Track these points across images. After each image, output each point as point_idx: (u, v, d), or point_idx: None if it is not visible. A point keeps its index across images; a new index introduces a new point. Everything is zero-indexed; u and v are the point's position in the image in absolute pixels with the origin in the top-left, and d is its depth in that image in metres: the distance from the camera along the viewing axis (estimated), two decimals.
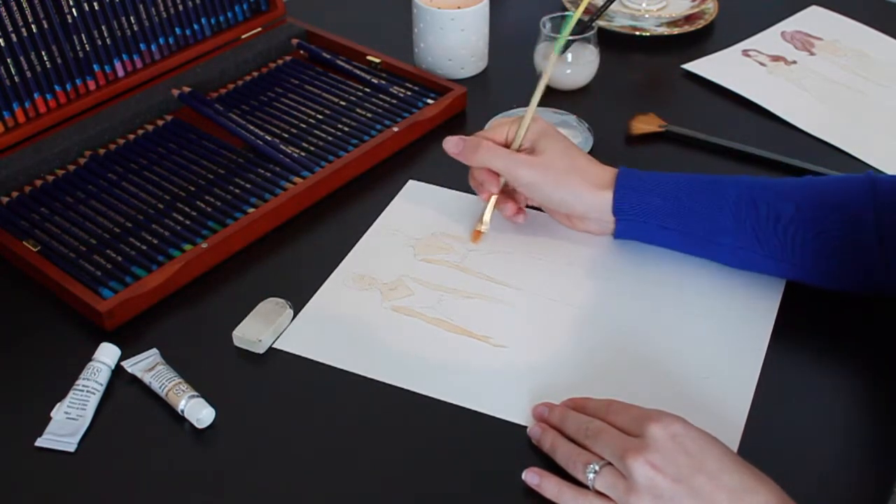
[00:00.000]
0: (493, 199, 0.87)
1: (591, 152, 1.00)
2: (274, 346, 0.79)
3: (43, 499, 0.69)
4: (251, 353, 0.79)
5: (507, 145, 0.86)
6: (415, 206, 0.94)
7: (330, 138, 1.00)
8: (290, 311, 0.81)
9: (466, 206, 0.94)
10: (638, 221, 0.83)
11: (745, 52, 1.16)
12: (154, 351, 0.78)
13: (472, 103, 1.07)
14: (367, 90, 1.07)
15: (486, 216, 0.88)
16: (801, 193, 0.80)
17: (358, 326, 0.81)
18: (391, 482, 0.69)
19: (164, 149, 0.98)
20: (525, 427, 0.72)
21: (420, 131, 1.02)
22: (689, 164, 0.99)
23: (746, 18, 1.23)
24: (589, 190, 0.83)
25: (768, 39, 1.19)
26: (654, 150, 1.01)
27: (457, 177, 0.97)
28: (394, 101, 1.05)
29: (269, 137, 0.99)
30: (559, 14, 1.10)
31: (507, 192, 0.88)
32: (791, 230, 0.79)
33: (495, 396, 0.75)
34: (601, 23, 1.16)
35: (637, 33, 1.19)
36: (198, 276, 0.86)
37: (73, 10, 0.97)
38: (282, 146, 0.98)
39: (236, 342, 0.79)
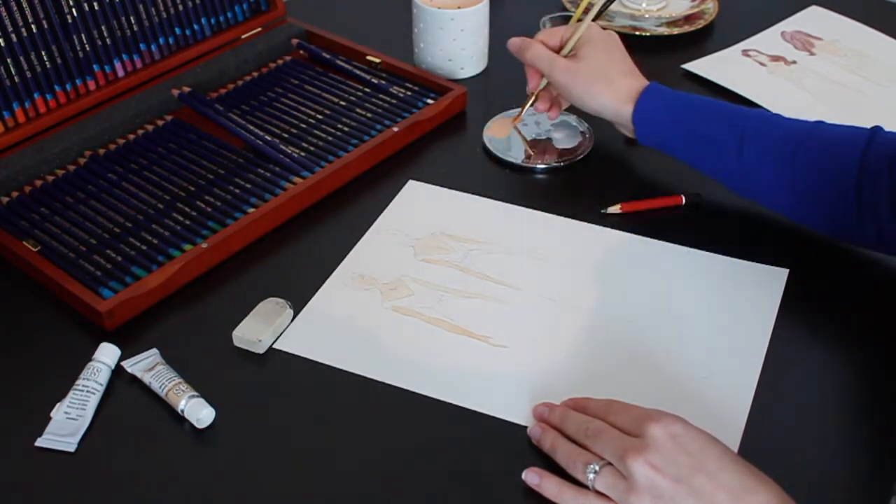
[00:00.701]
0: (535, 95, 0.98)
1: (591, 153, 1.00)
2: (274, 346, 0.79)
3: (43, 499, 0.69)
4: (251, 353, 0.79)
5: (559, 49, 0.96)
6: (415, 206, 0.94)
7: (330, 138, 1.00)
8: (290, 311, 0.81)
9: (466, 206, 0.94)
10: (653, 136, 0.91)
11: (745, 52, 1.16)
12: (154, 351, 0.78)
13: (472, 103, 1.07)
14: (367, 90, 1.07)
15: (526, 106, 0.99)
16: (805, 136, 0.83)
17: (358, 326, 0.81)
18: (391, 482, 0.69)
19: (164, 149, 0.98)
20: (525, 427, 0.72)
21: (420, 131, 1.02)
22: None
23: (746, 18, 1.23)
24: (613, 101, 0.91)
25: (768, 39, 1.19)
26: (654, 150, 1.01)
27: (457, 177, 0.97)
28: (394, 101, 1.05)
29: (269, 137, 0.99)
30: (559, 14, 1.10)
31: (549, 91, 0.98)
32: (787, 167, 0.82)
33: (495, 396, 0.75)
34: (601, 23, 1.16)
35: (637, 33, 1.19)
36: (198, 276, 0.86)
37: (73, 10, 0.97)
38: (282, 146, 0.98)
39: (236, 342, 0.79)
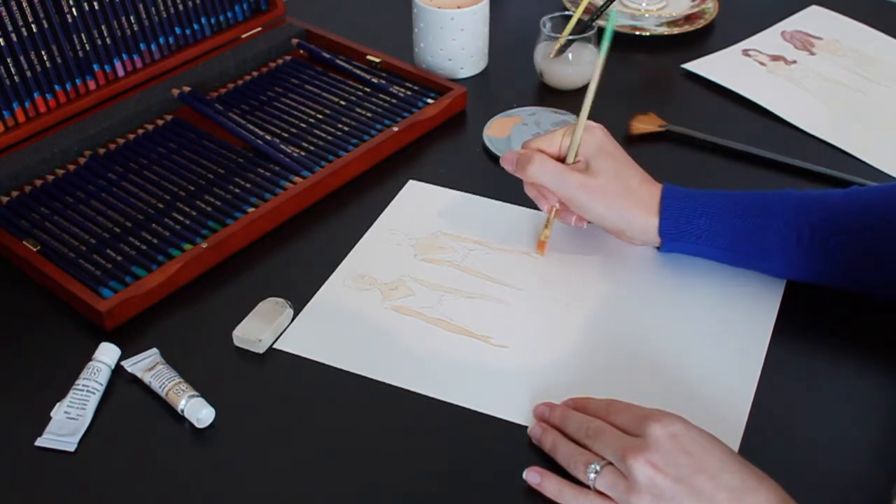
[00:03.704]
0: (553, 211, 0.86)
1: None
2: (274, 346, 0.79)
3: (43, 499, 0.69)
4: (251, 353, 0.79)
5: (560, 157, 0.85)
6: (415, 206, 0.94)
7: (330, 138, 1.00)
8: (290, 311, 0.81)
9: (467, 205, 0.94)
10: (683, 242, 0.83)
11: (745, 52, 1.16)
12: (154, 351, 0.78)
13: (472, 103, 1.07)
14: (367, 90, 1.07)
15: (549, 226, 0.87)
16: (849, 206, 0.79)
17: (358, 326, 0.81)
18: (391, 482, 0.69)
19: (164, 149, 0.98)
20: (526, 427, 0.72)
21: (420, 131, 1.02)
22: (689, 164, 0.99)
23: (746, 18, 1.23)
24: (638, 215, 0.82)
25: (768, 39, 1.19)
26: (654, 150, 1.01)
27: (457, 177, 0.97)
28: (394, 101, 1.05)
29: (268, 137, 0.99)
30: (559, 14, 1.10)
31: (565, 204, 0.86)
32: (840, 243, 0.78)
33: (496, 396, 0.75)
34: (601, 22, 1.16)
35: (637, 33, 1.19)
36: (198, 276, 0.86)
37: (73, 9, 0.97)
38: (282, 146, 0.98)
39: (236, 342, 0.79)
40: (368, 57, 1.11)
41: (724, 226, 0.81)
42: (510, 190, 0.95)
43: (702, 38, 1.20)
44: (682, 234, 0.82)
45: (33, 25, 0.94)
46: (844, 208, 0.79)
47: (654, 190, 0.83)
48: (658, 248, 0.86)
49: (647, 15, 1.19)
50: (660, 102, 1.08)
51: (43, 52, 0.96)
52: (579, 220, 0.86)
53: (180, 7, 1.06)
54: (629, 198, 0.82)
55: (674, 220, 0.82)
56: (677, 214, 0.82)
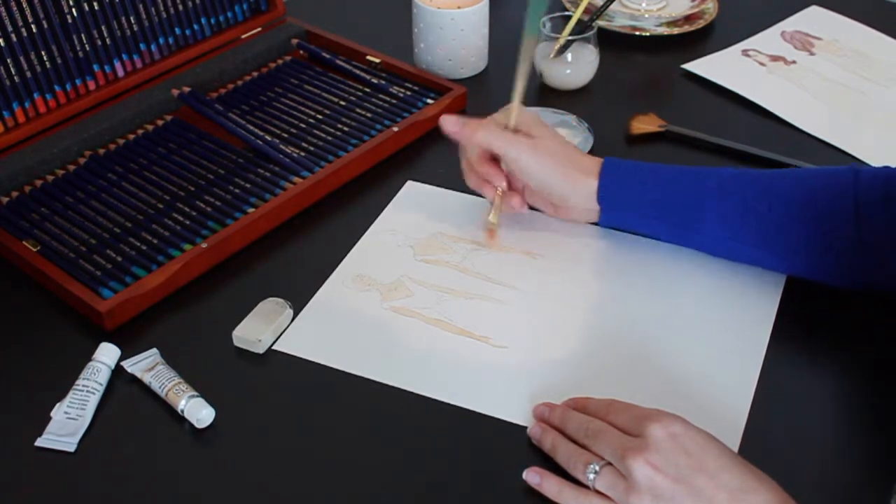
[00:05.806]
0: (500, 194, 0.87)
1: (591, 152, 1.00)
2: (274, 346, 0.79)
3: (43, 499, 0.69)
4: (251, 353, 0.79)
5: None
6: (414, 206, 0.94)
7: (330, 138, 1.00)
8: (290, 311, 0.81)
9: (466, 206, 0.94)
10: (620, 209, 0.85)
11: (745, 52, 1.16)
12: (154, 351, 0.78)
13: (472, 103, 1.07)
14: (367, 90, 1.07)
15: (495, 212, 0.88)
16: (783, 185, 0.81)
17: (358, 327, 0.81)
18: (391, 482, 0.69)
19: (164, 149, 0.98)
20: (525, 427, 0.72)
21: (420, 131, 1.02)
22: (689, 164, 0.99)
23: (746, 18, 1.23)
24: (578, 177, 0.85)
25: (768, 39, 1.19)
26: (654, 150, 1.01)
27: (457, 177, 0.97)
28: (394, 101, 1.05)
29: (269, 137, 0.99)
30: (559, 14, 1.10)
31: (510, 185, 0.88)
32: (772, 222, 0.80)
33: (495, 397, 0.75)
34: (601, 22, 1.16)
35: (637, 33, 1.19)
36: (198, 276, 0.86)
37: (73, 10, 0.97)
38: (282, 146, 0.98)
39: (236, 342, 0.79)
40: (368, 57, 1.11)
41: (658, 193, 0.84)
42: None
43: (702, 39, 1.20)
44: (618, 199, 0.85)
45: (33, 26, 0.95)
46: (783, 186, 0.81)
47: (593, 159, 0.87)
48: (596, 221, 0.88)
49: (647, 15, 1.19)
50: (660, 102, 1.08)
51: (43, 53, 0.96)
52: (521, 204, 0.89)
53: (180, 7, 1.06)
54: (571, 162, 0.86)
55: (612, 183, 0.85)
56: (616, 179, 0.85)
